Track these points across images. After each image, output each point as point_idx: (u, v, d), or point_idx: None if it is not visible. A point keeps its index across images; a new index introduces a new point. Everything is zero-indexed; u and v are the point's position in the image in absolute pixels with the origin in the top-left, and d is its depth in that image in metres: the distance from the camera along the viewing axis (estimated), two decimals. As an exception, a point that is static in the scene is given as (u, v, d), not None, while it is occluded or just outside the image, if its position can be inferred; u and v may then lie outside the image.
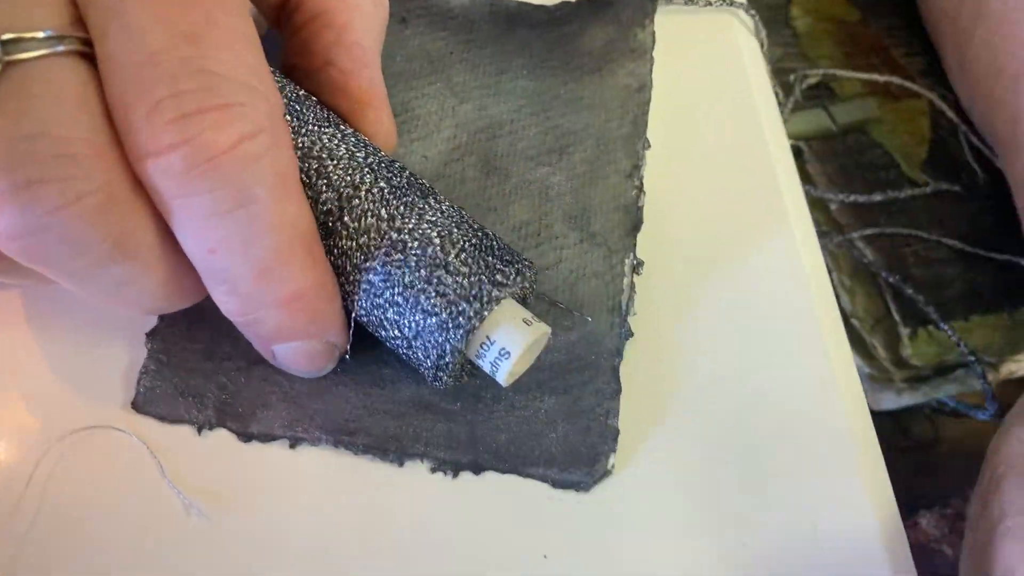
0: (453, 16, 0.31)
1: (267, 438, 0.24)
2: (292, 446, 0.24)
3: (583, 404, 0.25)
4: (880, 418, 0.38)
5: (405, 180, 0.23)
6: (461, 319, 0.22)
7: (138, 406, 0.25)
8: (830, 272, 0.37)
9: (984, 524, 0.25)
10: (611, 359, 0.26)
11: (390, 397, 0.25)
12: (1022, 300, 0.36)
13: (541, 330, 0.23)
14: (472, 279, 0.22)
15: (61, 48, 0.19)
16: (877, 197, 0.36)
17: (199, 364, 0.25)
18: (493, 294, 0.22)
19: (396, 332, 0.23)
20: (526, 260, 0.23)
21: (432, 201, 0.23)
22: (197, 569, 0.23)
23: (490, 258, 0.23)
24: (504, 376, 0.23)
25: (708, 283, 0.27)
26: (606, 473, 0.24)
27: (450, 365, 0.23)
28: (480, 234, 0.23)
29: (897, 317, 0.35)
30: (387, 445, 0.24)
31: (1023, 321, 0.36)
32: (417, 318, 0.22)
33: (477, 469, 0.24)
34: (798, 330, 0.27)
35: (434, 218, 0.23)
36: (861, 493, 0.25)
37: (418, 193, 0.23)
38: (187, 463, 0.24)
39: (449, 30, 0.31)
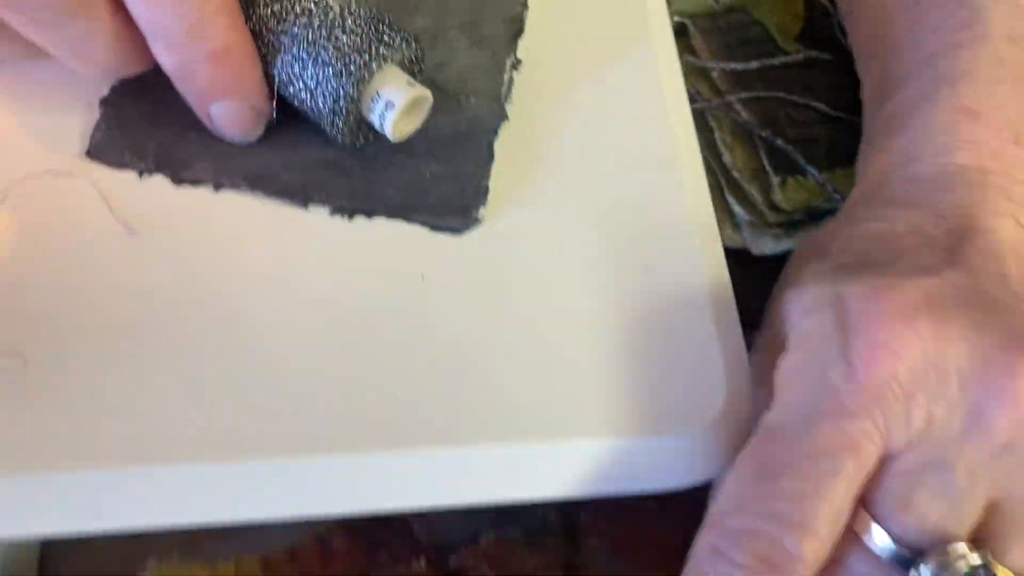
0: None
1: (196, 182, 0.29)
2: (216, 189, 0.29)
3: (462, 170, 0.30)
4: (766, 261, 0.42)
5: None
6: (352, 67, 0.27)
7: (91, 154, 0.30)
8: (713, 131, 0.42)
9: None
10: (488, 136, 0.31)
11: (300, 156, 0.30)
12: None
13: (422, 91, 0.28)
14: (363, 38, 0.27)
15: None
16: (754, 65, 0.42)
17: (143, 126, 0.30)
18: (380, 51, 0.28)
19: (301, 84, 0.28)
20: (413, 34, 0.29)
21: None
22: (137, 280, 0.28)
23: (381, 26, 0.28)
24: (390, 127, 0.28)
25: (579, 88, 0.32)
26: (476, 221, 0.29)
27: (344, 111, 0.28)
28: (374, 10, 0.28)
29: (769, 168, 0.40)
30: (295, 191, 0.29)
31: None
32: (317, 70, 0.28)
33: (369, 214, 0.29)
34: (656, 145, 0.32)
35: None
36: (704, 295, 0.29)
37: None
38: (130, 200, 0.29)
39: None
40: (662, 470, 0.26)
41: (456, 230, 0.29)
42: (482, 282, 0.28)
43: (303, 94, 0.28)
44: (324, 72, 0.27)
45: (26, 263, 0.28)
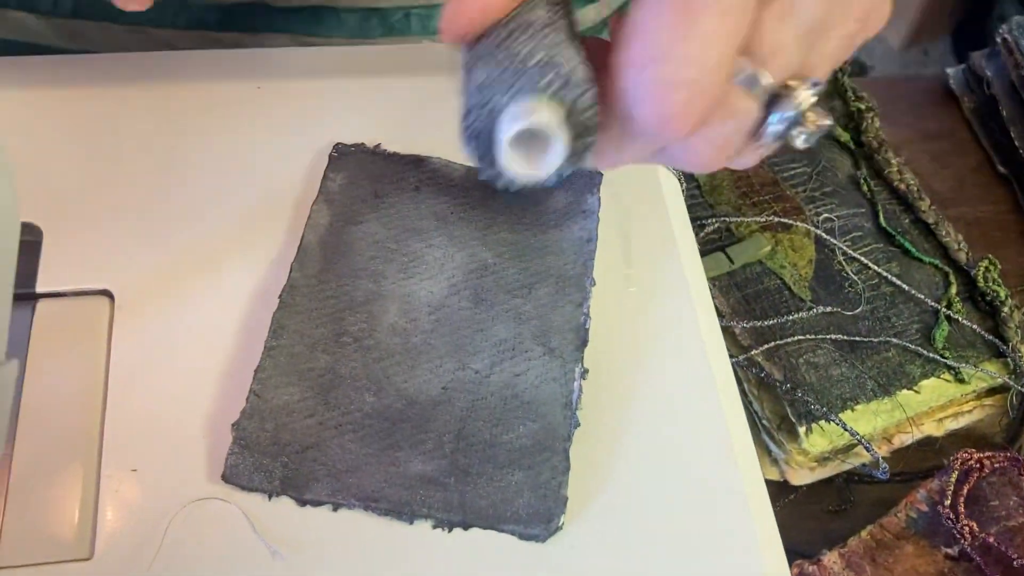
0: (454, 184, 0.42)
1: (316, 503, 0.34)
2: (335, 510, 0.34)
3: (542, 478, 0.35)
4: (801, 489, 0.47)
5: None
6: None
7: (226, 478, 0.34)
8: (742, 383, 0.47)
9: None
10: (564, 443, 0.35)
11: (403, 472, 0.35)
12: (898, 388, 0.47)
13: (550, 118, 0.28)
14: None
15: None
16: (770, 321, 0.47)
17: (268, 448, 0.35)
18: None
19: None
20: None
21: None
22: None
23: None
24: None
25: (639, 385, 0.37)
26: (558, 529, 0.34)
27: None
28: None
29: (793, 418, 0.45)
30: (401, 508, 0.34)
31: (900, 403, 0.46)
32: None
33: (466, 526, 0.34)
34: (707, 423, 0.37)
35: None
36: (755, 541, 0.34)
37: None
38: (264, 520, 0.34)
39: (451, 195, 0.42)
40: None
41: (540, 539, 0.34)
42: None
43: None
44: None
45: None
